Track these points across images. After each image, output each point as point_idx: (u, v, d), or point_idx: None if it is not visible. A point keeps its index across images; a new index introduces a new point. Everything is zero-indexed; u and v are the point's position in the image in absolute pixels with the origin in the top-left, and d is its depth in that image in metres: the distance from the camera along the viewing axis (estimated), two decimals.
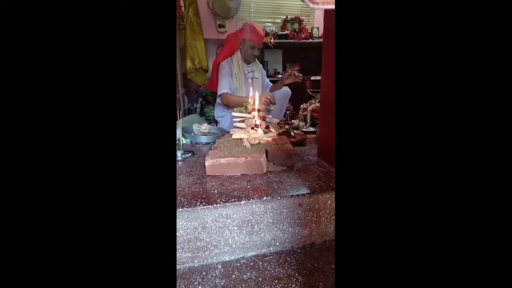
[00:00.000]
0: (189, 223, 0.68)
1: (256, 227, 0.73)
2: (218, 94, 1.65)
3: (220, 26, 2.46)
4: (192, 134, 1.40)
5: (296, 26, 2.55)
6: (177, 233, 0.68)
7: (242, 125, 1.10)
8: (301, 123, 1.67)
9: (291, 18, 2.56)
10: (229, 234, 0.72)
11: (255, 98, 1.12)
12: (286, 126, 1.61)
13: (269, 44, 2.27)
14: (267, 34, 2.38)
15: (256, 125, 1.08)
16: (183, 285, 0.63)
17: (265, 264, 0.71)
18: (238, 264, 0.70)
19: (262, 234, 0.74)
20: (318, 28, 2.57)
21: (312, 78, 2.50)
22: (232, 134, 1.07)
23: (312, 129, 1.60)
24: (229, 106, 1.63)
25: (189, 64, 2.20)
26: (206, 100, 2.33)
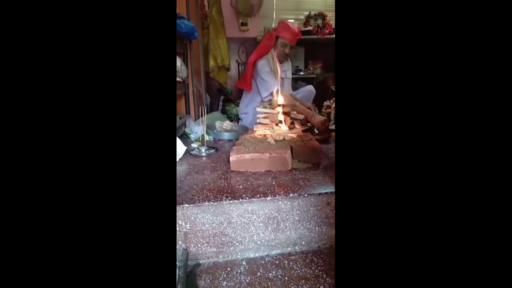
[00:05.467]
0: (215, 218, 0.68)
1: (281, 224, 0.71)
2: (269, 91, 1.56)
3: (243, 24, 2.46)
4: (215, 130, 1.41)
5: (319, 21, 2.48)
6: (203, 227, 0.68)
7: (266, 121, 1.08)
8: None
9: (315, 13, 2.49)
10: (254, 231, 0.70)
11: (280, 95, 1.09)
12: (309, 124, 1.56)
13: None
14: None
15: (280, 121, 1.06)
16: (208, 280, 0.63)
17: (291, 263, 0.68)
18: (263, 262, 0.69)
19: (288, 232, 0.72)
20: None
21: None
22: (255, 131, 1.06)
23: None
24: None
25: (211, 63, 2.23)
26: (227, 98, 2.35)
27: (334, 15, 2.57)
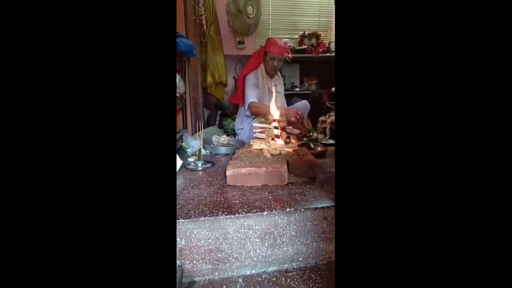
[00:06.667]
0: (211, 233, 0.67)
1: (278, 240, 0.70)
2: (247, 103, 1.65)
3: (240, 42, 2.55)
4: (212, 145, 1.42)
5: (313, 41, 2.58)
6: (198, 243, 0.67)
7: (262, 135, 1.10)
8: (320, 136, 1.64)
9: (309, 33, 2.60)
10: (250, 246, 0.69)
11: (275, 109, 1.12)
12: (305, 139, 1.58)
13: (287, 58, 2.31)
14: None
15: (277, 136, 1.07)
16: None
17: (288, 280, 0.67)
18: (260, 279, 0.67)
19: (285, 248, 0.71)
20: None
21: (333, 90, 2.49)
22: (252, 145, 1.07)
23: (331, 141, 1.57)
24: (257, 114, 1.62)
25: (209, 79, 2.28)
26: (224, 113, 2.38)
27: (327, 35, 2.68)
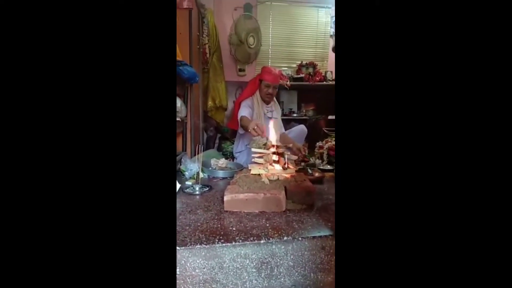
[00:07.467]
0: (207, 262, 0.65)
1: (275, 270, 0.68)
2: (239, 119, 1.67)
3: (240, 70, 2.68)
4: (210, 168, 1.43)
5: (310, 70, 2.72)
6: (193, 272, 0.65)
7: (260, 160, 1.11)
8: (318, 161, 1.66)
9: (306, 63, 2.75)
10: (247, 277, 0.67)
11: (272, 135, 1.15)
12: (302, 163, 1.60)
13: (285, 86, 2.41)
14: None
15: (275, 161, 1.09)
16: None
17: None
18: None
19: (282, 279, 0.69)
20: (331, 72, 2.72)
21: (330, 117, 2.56)
22: (251, 169, 1.08)
23: (329, 167, 1.58)
24: (245, 127, 1.64)
25: (210, 103, 2.35)
26: (223, 136, 2.42)
27: (324, 64, 2.82)
